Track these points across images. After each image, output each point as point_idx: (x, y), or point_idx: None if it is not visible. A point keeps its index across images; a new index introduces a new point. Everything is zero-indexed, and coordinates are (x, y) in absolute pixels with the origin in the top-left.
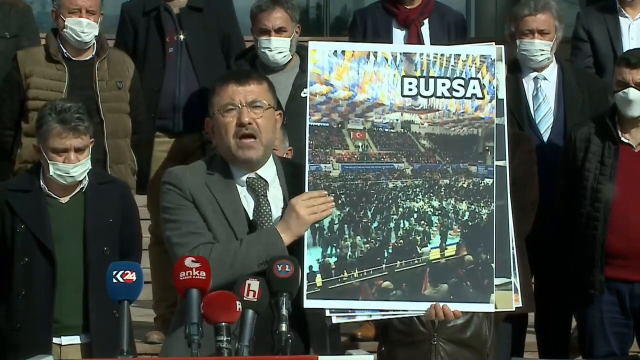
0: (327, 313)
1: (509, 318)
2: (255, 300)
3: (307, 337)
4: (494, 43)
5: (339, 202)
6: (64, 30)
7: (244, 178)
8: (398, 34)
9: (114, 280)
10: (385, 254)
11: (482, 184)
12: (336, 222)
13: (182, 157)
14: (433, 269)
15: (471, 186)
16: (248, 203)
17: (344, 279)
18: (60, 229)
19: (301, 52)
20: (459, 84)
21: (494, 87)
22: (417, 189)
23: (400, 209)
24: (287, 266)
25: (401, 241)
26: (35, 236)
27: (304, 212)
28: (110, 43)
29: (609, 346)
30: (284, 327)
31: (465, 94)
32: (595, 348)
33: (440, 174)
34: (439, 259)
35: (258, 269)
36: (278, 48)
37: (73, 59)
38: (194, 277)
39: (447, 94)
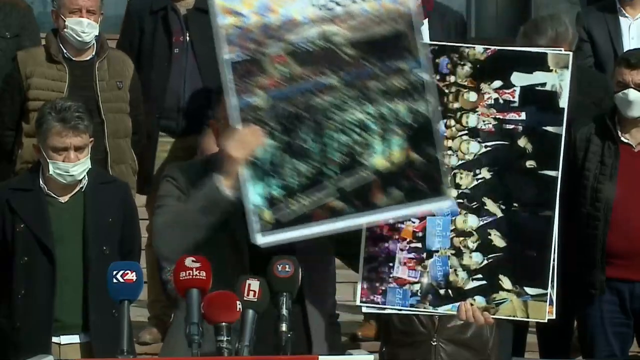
0: (357, 302)
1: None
2: (256, 300)
3: (309, 336)
4: (562, 49)
5: (272, 131)
6: (65, 30)
7: None
8: None
9: (115, 280)
10: (330, 173)
11: (416, 78)
12: (273, 152)
13: (185, 158)
14: (382, 177)
15: (405, 84)
16: None
17: (294, 208)
18: (61, 228)
19: None
20: None
21: None
22: (350, 100)
23: (337, 124)
24: (287, 266)
25: (343, 156)
26: (35, 235)
27: (233, 150)
28: (111, 42)
29: (610, 346)
30: (284, 327)
31: None
32: (595, 348)
33: (371, 79)
34: (386, 165)
35: (205, 220)
36: None
37: (73, 59)
38: (194, 277)
39: None
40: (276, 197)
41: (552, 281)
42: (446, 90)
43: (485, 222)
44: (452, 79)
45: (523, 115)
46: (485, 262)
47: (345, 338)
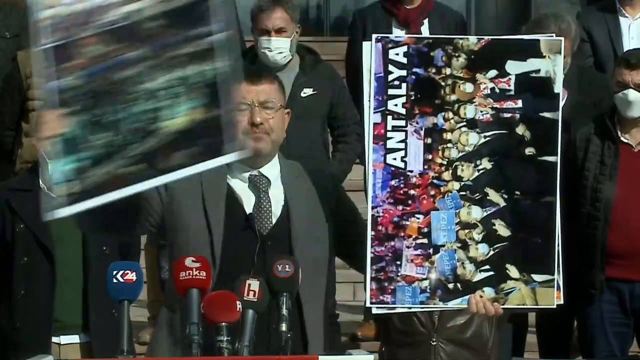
0: (367, 304)
1: (510, 318)
2: (256, 300)
3: (305, 336)
4: (554, 35)
5: (76, 110)
6: None
7: (247, 175)
8: (398, 33)
9: (114, 280)
10: (127, 141)
11: (209, 42)
12: (76, 129)
13: None
14: (177, 138)
15: (198, 49)
16: (248, 198)
17: (92, 177)
18: (60, 228)
19: (301, 52)
20: None
21: None
22: (150, 70)
23: (137, 94)
24: (287, 266)
25: (142, 124)
26: (35, 235)
27: (38, 134)
28: None
29: (610, 346)
30: (284, 327)
31: None
32: (595, 348)
33: (169, 48)
34: (178, 128)
35: None
36: (278, 48)
37: None
38: (194, 277)
39: None
40: (74, 171)
41: (559, 266)
42: (442, 83)
43: (488, 212)
44: (448, 71)
45: (519, 103)
46: (492, 252)
47: (345, 338)
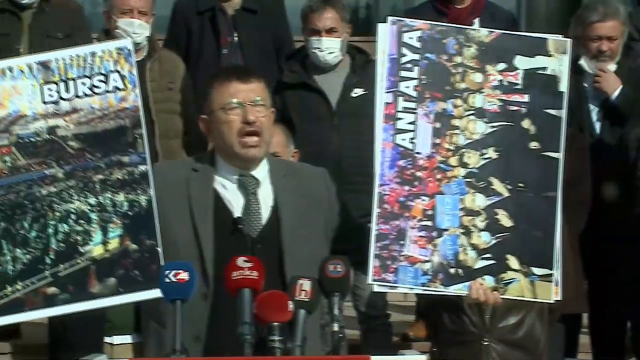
0: (369, 281)
1: (562, 319)
2: (307, 300)
3: None
4: (561, 36)
5: None
6: (116, 30)
7: (235, 176)
8: None
9: (167, 280)
10: (48, 261)
11: (137, 171)
12: None
13: None
14: (99, 266)
15: (126, 176)
16: (237, 201)
17: (7, 293)
18: None
19: (352, 52)
20: (100, 80)
21: (134, 76)
22: (72, 190)
23: (57, 213)
24: (338, 266)
25: (62, 245)
26: None
27: None
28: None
29: None
30: (336, 327)
31: (107, 88)
32: None
33: (94, 171)
34: (103, 254)
35: None
36: (329, 48)
37: None
38: (246, 276)
39: (88, 92)
40: None
41: (558, 262)
42: (453, 70)
43: (492, 201)
44: (459, 59)
45: (526, 98)
46: (494, 241)
47: (396, 338)
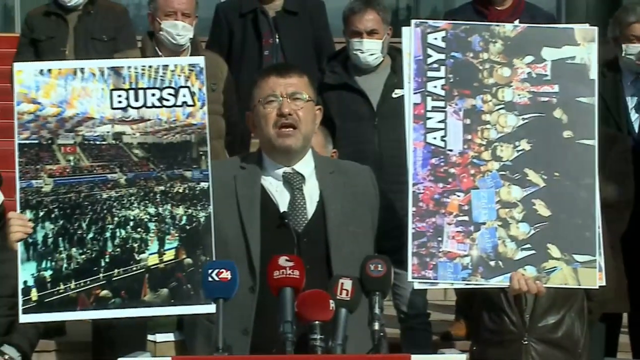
0: (409, 279)
1: (602, 318)
2: (349, 299)
3: None
4: (587, 25)
5: (52, 216)
6: (160, 32)
7: (280, 172)
8: None
9: (210, 279)
10: (103, 264)
11: (198, 188)
12: (50, 236)
13: None
14: (152, 275)
15: (187, 191)
16: (282, 197)
17: (60, 291)
18: None
19: (392, 53)
20: (169, 93)
21: (204, 94)
22: (132, 198)
23: (116, 218)
24: (379, 265)
25: (118, 250)
26: None
27: (6, 232)
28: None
29: None
30: (377, 326)
31: (176, 103)
32: None
33: (155, 181)
34: (157, 264)
35: None
36: (370, 50)
37: None
38: (287, 275)
39: (157, 103)
40: (46, 279)
41: (600, 247)
42: (480, 67)
43: (528, 192)
44: (485, 55)
45: (556, 88)
46: (533, 231)
47: (436, 337)
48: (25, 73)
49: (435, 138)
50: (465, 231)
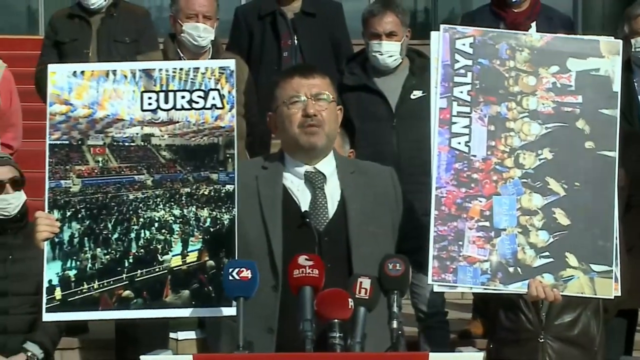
0: (429, 281)
1: (619, 315)
2: (367, 297)
3: None
4: (612, 38)
5: (79, 216)
6: (182, 34)
7: (302, 170)
8: None
9: (230, 278)
10: (126, 264)
11: (224, 190)
12: (76, 235)
13: None
14: (174, 276)
15: (212, 193)
16: (304, 196)
17: (84, 290)
18: None
19: (411, 55)
20: (199, 96)
21: (233, 97)
22: (158, 199)
23: (141, 219)
24: (397, 265)
25: (142, 251)
26: None
27: (34, 230)
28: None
29: None
30: (395, 324)
31: (205, 105)
32: None
33: (182, 183)
34: (180, 265)
35: None
36: (389, 52)
37: None
38: (307, 274)
39: (187, 105)
40: (70, 278)
41: (616, 258)
42: (506, 75)
43: (549, 200)
44: (512, 63)
45: (580, 99)
46: (552, 240)
47: (453, 335)
48: (58, 74)
49: (459, 143)
50: (485, 236)
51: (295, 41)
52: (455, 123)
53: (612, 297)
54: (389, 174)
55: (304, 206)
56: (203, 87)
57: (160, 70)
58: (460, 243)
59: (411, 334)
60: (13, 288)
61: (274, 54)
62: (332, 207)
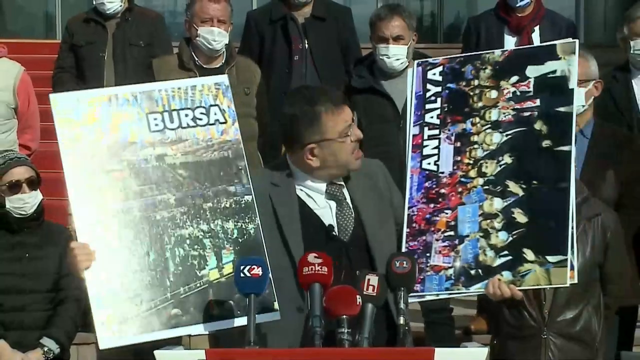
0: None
1: (618, 312)
2: (375, 294)
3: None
4: (570, 38)
5: (113, 241)
6: (197, 38)
7: (323, 187)
8: (510, 40)
9: (242, 275)
10: (168, 283)
11: (243, 201)
12: (117, 261)
13: None
14: (216, 289)
15: (234, 205)
16: (325, 210)
17: (134, 314)
18: None
19: (417, 58)
20: (201, 113)
21: (233, 111)
22: (184, 216)
23: (173, 238)
24: (404, 262)
25: (180, 268)
26: None
27: (71, 262)
28: None
29: None
30: (402, 320)
31: (209, 121)
32: None
33: (203, 199)
34: (219, 278)
35: None
36: (396, 55)
37: (204, 66)
38: (316, 272)
39: (191, 123)
40: (119, 303)
41: (572, 247)
42: (471, 93)
43: (508, 202)
44: (476, 82)
45: (537, 102)
46: (510, 238)
47: (458, 331)
48: (62, 103)
49: (429, 163)
50: (450, 245)
51: (306, 45)
52: (426, 146)
53: (567, 285)
54: (378, 166)
55: (327, 220)
56: (203, 104)
57: (160, 90)
58: (428, 254)
59: (418, 330)
60: (29, 286)
61: (285, 58)
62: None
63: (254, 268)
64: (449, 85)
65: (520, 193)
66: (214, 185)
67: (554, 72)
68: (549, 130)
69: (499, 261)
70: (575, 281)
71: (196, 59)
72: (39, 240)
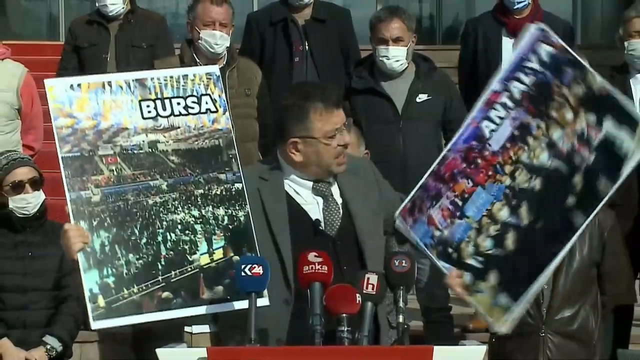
0: (397, 213)
1: (614, 310)
2: (374, 293)
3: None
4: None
5: (105, 224)
6: (199, 41)
7: (310, 184)
8: (507, 42)
9: (243, 274)
10: (159, 267)
11: (234, 189)
12: (107, 243)
13: None
14: (206, 274)
15: (224, 192)
16: (313, 205)
17: (125, 296)
18: None
19: (416, 60)
20: (193, 102)
21: (224, 100)
22: (176, 202)
23: (165, 222)
24: (404, 261)
25: (171, 252)
26: None
27: (65, 244)
28: None
29: None
30: (401, 319)
31: (200, 110)
32: None
33: (194, 185)
34: (209, 263)
35: None
36: (395, 56)
37: None
38: (316, 271)
39: (183, 111)
40: (110, 285)
41: (527, 302)
42: (556, 97)
43: (510, 221)
44: (566, 91)
45: (591, 159)
46: (492, 252)
47: (456, 329)
48: (56, 89)
49: (487, 127)
50: (452, 212)
51: (306, 47)
52: (495, 109)
53: (493, 332)
54: (366, 162)
55: (314, 215)
56: (195, 93)
57: (152, 79)
58: (434, 203)
59: (416, 328)
60: (32, 284)
61: (286, 59)
62: (338, 210)
63: (255, 267)
64: (546, 72)
65: (524, 222)
66: (205, 172)
67: (621, 146)
68: (580, 193)
69: (470, 261)
70: (506, 332)
71: (198, 60)
72: (41, 240)
